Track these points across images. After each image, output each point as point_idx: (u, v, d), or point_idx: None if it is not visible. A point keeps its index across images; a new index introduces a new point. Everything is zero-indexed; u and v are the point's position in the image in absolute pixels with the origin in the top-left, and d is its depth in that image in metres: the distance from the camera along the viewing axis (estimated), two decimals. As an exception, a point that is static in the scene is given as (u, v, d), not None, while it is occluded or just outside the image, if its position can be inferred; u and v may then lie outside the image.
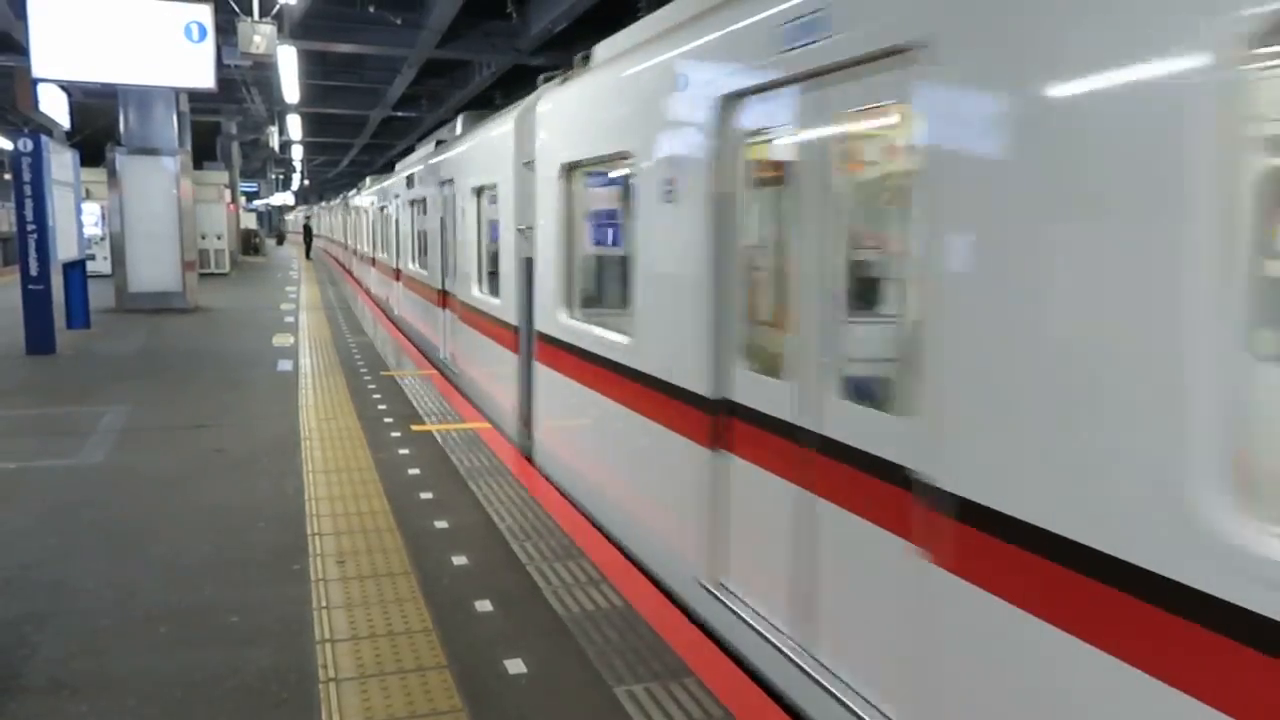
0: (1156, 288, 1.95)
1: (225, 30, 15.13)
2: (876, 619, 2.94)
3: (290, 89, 20.51)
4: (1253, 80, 1.82)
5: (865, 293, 3.22)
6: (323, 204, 57.15)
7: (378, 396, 9.03)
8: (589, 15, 15.62)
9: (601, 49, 5.76)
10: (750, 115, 3.64)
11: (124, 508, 5.62)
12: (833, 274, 3.16)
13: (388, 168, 29.90)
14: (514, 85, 22.19)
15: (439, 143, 12.35)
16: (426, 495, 5.85)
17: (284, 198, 67.98)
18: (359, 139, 40.21)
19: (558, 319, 5.94)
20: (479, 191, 8.55)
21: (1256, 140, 1.86)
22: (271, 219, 70.95)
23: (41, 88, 18.23)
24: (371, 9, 17.82)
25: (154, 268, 16.56)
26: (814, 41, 3.10)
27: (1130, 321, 2.01)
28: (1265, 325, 1.93)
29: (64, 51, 14.18)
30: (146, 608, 4.16)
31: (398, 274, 15.15)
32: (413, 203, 13.27)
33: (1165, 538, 1.92)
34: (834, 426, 3.13)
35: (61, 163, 12.82)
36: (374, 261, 19.96)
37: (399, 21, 18.17)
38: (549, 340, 6.17)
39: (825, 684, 3.15)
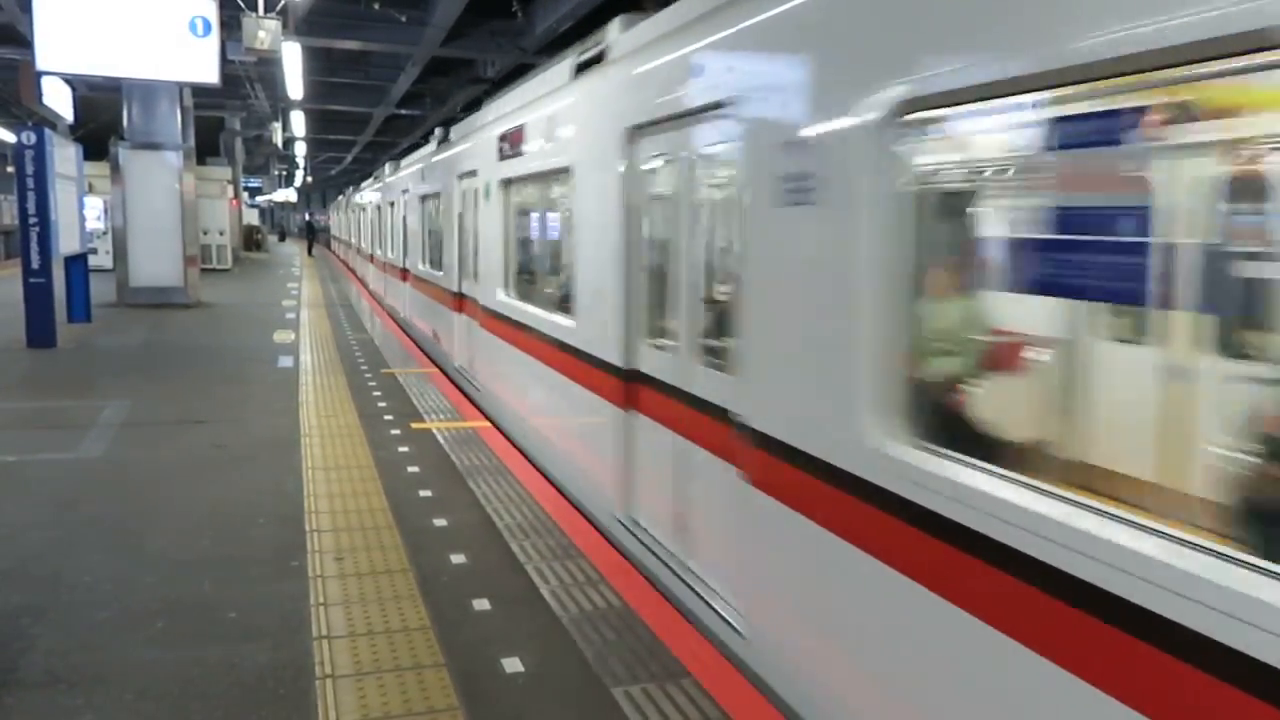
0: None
1: (230, 25, 15.13)
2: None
3: (294, 85, 20.50)
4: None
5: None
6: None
7: (378, 394, 9.03)
8: (593, 15, 15.63)
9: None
10: None
11: (123, 502, 5.61)
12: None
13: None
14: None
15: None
16: (426, 493, 5.84)
17: (287, 194, 67.96)
18: (362, 136, 40.21)
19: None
20: None
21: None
22: (273, 216, 70.95)
23: (45, 81, 18.23)
24: (376, 6, 17.82)
25: (156, 263, 16.54)
26: None
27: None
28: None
29: (68, 45, 14.18)
30: (144, 602, 4.16)
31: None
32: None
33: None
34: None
35: (64, 156, 12.81)
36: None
37: (404, 19, 18.18)
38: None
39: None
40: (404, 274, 14.97)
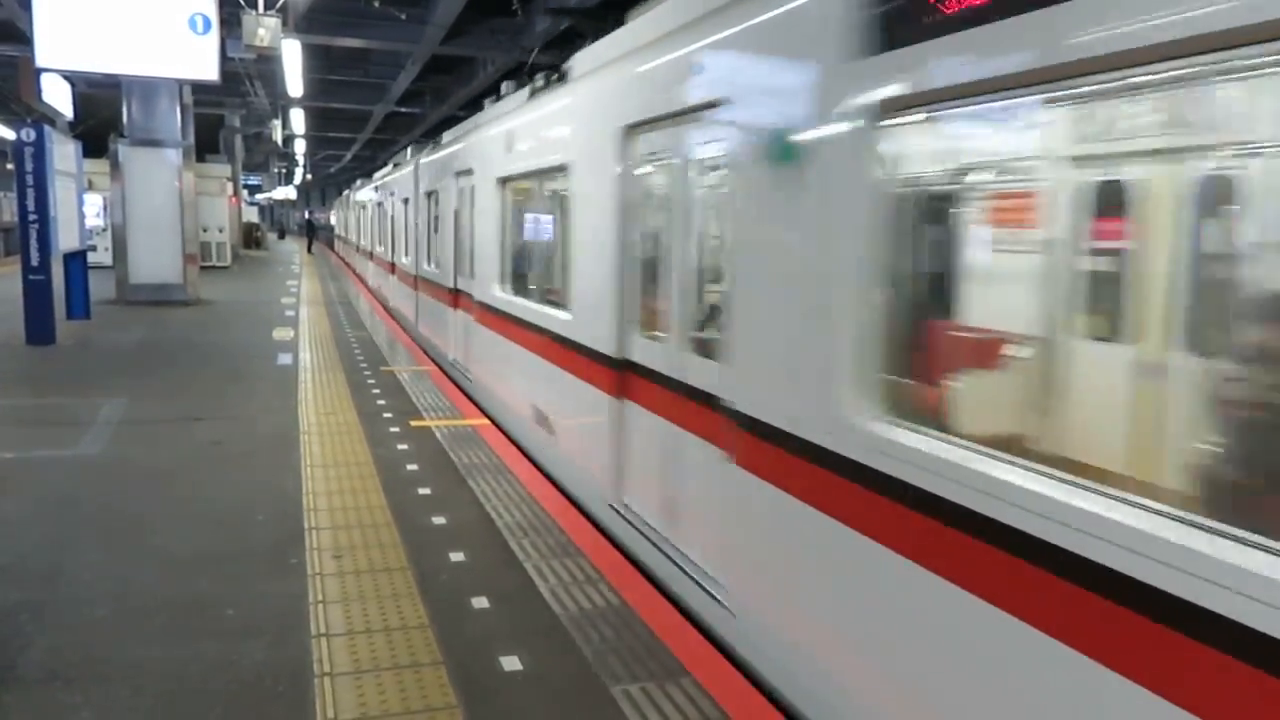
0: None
1: (229, 22, 15.13)
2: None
3: (294, 83, 20.50)
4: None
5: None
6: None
7: (377, 392, 9.02)
8: (593, 14, 15.62)
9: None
10: None
11: (121, 499, 5.61)
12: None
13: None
14: (518, 83, 22.19)
15: None
16: (425, 491, 5.84)
17: (286, 192, 67.90)
18: (362, 134, 40.21)
19: None
20: None
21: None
22: (273, 213, 70.86)
23: (45, 78, 18.19)
24: (376, 4, 17.80)
25: (155, 260, 16.53)
26: None
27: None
28: None
29: (67, 41, 14.16)
30: (143, 599, 4.15)
31: None
32: None
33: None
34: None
35: (64, 153, 12.80)
36: None
37: (404, 16, 18.16)
38: None
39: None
40: (454, 297, 10.24)
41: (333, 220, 48.76)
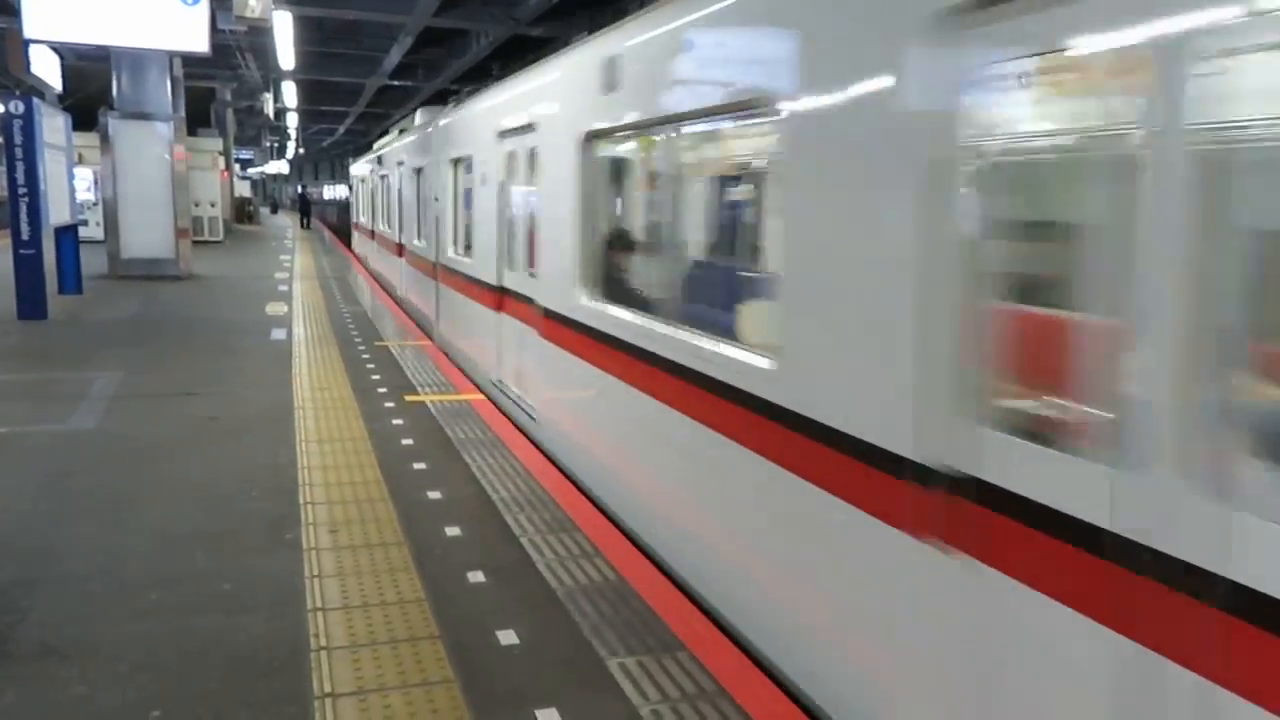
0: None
1: (220, -6, 14.94)
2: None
3: (286, 55, 20.30)
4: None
5: None
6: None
7: (371, 366, 8.99)
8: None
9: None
10: None
11: (115, 474, 5.59)
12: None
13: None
14: (512, 56, 22.03)
15: None
16: (420, 466, 5.83)
17: (279, 166, 67.45)
18: (355, 107, 39.89)
19: None
20: None
21: None
22: (265, 187, 70.42)
23: (33, 50, 18.03)
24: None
25: (147, 234, 16.42)
26: None
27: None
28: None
29: (56, 12, 13.99)
30: (138, 574, 4.14)
31: None
32: None
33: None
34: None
35: (53, 126, 12.67)
36: None
37: (396, -12, 17.97)
38: None
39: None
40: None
41: (328, 194, 44.99)
